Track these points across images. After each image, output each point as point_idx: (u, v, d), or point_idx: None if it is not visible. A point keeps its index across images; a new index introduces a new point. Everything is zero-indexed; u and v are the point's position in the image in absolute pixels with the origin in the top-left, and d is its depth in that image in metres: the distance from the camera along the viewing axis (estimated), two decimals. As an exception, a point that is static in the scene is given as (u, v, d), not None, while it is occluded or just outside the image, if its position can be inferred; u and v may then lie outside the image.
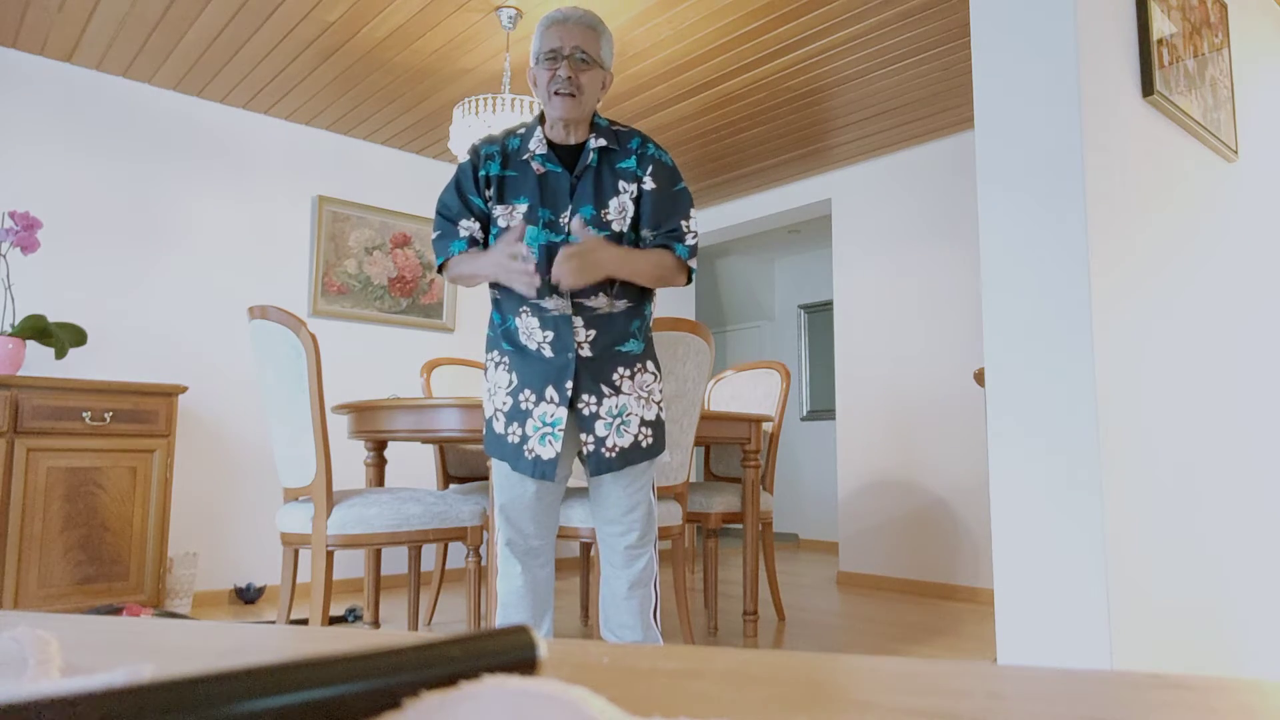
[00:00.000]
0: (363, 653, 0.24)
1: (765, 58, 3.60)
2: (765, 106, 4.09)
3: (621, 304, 1.95)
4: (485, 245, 1.98)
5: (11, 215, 3.25)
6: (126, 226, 3.87)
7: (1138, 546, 1.80)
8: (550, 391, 1.90)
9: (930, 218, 4.52)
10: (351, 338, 4.51)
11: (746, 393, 3.95)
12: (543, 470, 1.90)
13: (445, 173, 4.93)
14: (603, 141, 1.93)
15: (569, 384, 1.89)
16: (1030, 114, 1.88)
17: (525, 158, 1.92)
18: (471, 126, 3.13)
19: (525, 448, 1.92)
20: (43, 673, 0.30)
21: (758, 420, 3.26)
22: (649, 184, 1.93)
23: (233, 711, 0.21)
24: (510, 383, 1.95)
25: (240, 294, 4.18)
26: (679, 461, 2.76)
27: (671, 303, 5.88)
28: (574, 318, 1.90)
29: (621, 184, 1.92)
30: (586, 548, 3.52)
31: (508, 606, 2.03)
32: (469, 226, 1.96)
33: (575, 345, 1.90)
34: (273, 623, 2.41)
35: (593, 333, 1.91)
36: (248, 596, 3.97)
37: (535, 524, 2.01)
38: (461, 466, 3.53)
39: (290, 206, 4.37)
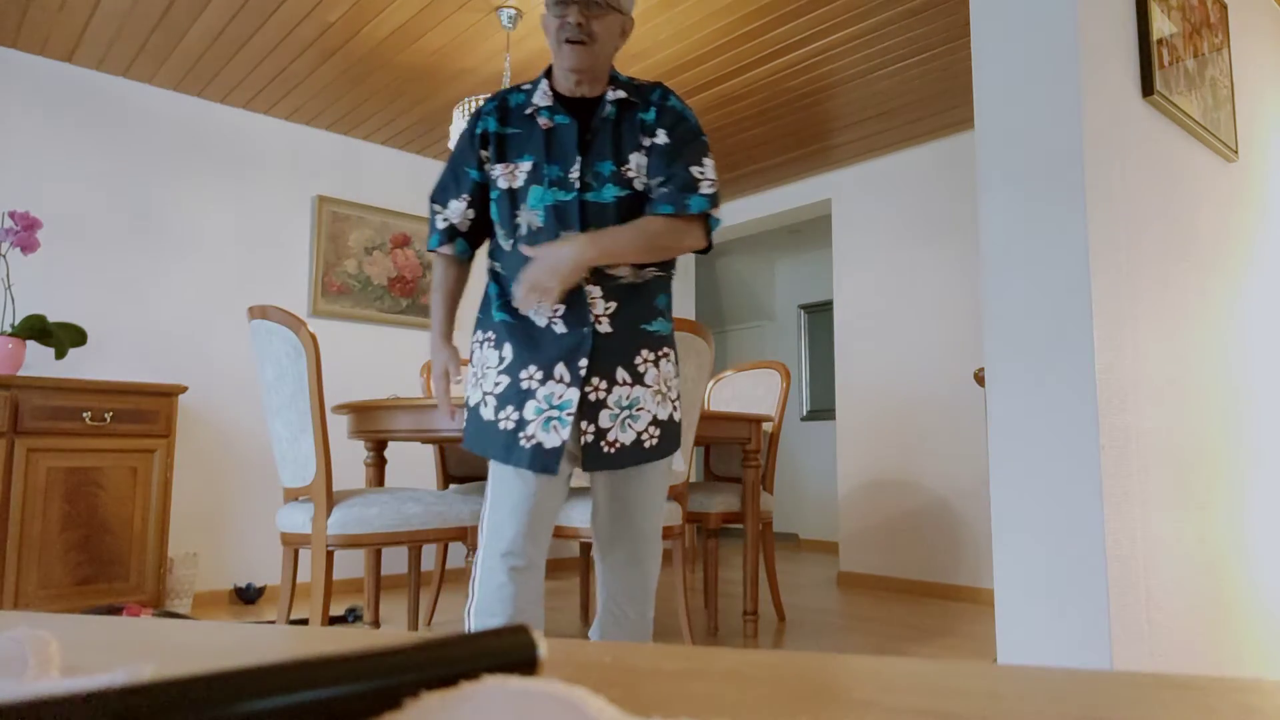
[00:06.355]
0: (363, 653, 0.24)
1: (765, 58, 3.60)
2: (765, 106, 4.09)
3: (649, 271, 1.74)
4: (481, 217, 1.81)
5: (11, 215, 3.25)
6: (126, 226, 3.87)
7: (1138, 546, 1.80)
8: (561, 369, 1.65)
9: (930, 218, 4.52)
10: (351, 338, 4.51)
11: (746, 393, 3.95)
12: (544, 462, 1.63)
13: (445, 173, 4.94)
14: (622, 94, 1.72)
15: (583, 362, 1.65)
16: (1030, 114, 1.88)
17: (529, 113, 1.72)
18: (471, 126, 3.13)
19: (522, 434, 1.64)
20: (43, 673, 0.30)
21: (758, 420, 3.26)
22: (662, 138, 1.70)
23: (233, 711, 0.21)
24: (504, 360, 1.70)
25: (240, 294, 4.18)
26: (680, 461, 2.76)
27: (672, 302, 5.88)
28: (591, 287, 1.68)
29: (642, 138, 1.71)
30: (586, 547, 3.52)
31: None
32: (451, 213, 1.80)
33: (592, 319, 1.67)
34: (273, 623, 2.41)
35: (613, 304, 1.70)
36: (248, 596, 3.97)
37: (533, 541, 1.69)
38: (461, 466, 3.53)
39: (290, 206, 4.37)
